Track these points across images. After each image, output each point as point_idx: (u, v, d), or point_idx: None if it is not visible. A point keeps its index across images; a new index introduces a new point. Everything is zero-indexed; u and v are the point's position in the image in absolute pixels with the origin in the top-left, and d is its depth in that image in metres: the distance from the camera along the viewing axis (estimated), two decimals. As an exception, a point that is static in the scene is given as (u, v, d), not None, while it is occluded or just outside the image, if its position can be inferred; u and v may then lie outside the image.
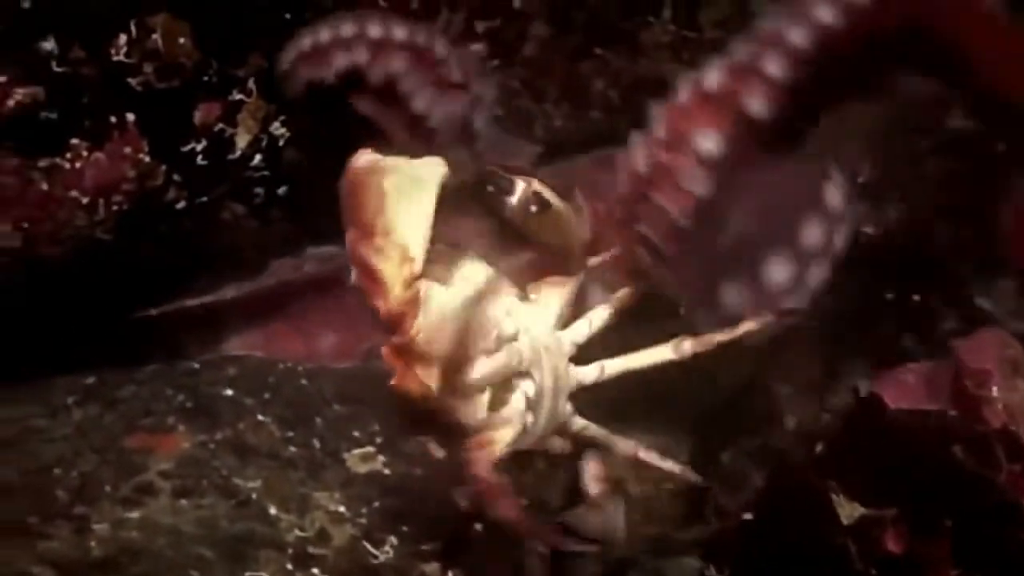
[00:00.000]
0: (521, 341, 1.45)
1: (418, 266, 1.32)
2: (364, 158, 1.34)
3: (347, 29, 1.61)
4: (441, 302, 1.39)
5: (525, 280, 1.52)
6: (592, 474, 1.64)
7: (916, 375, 1.45)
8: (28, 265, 1.57)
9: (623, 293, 1.57)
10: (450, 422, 1.45)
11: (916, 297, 1.79)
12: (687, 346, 1.54)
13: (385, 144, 1.35)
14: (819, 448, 1.55)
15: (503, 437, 1.44)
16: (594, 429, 1.56)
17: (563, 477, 1.61)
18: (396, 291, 1.33)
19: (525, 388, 1.46)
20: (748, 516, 1.52)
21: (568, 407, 1.53)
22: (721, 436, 1.88)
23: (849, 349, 1.84)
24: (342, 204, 1.35)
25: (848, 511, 1.41)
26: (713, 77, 1.49)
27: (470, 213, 1.49)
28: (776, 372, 1.87)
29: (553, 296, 1.54)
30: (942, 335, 1.74)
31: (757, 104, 1.48)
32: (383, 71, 1.61)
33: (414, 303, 1.35)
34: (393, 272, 1.32)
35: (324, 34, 1.60)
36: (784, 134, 1.55)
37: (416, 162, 1.34)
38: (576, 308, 1.57)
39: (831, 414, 1.75)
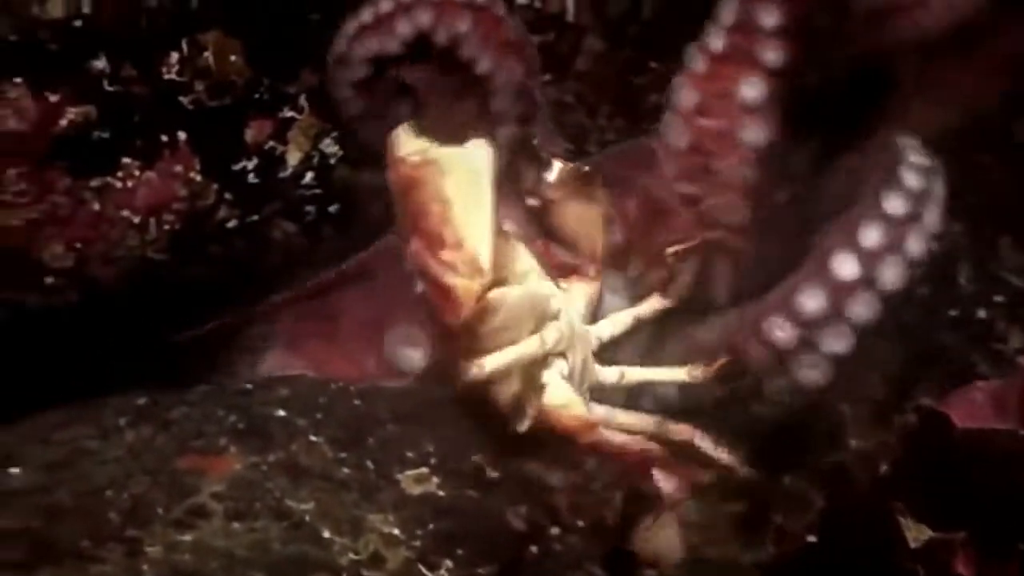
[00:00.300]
0: (562, 320, 1.45)
1: (488, 276, 1.32)
2: (409, 147, 1.32)
3: None
4: (508, 305, 1.39)
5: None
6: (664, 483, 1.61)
7: (984, 393, 1.42)
8: (80, 285, 1.56)
9: (649, 303, 1.55)
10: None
11: (982, 314, 1.75)
12: (699, 373, 1.52)
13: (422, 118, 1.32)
14: (884, 468, 1.52)
15: (570, 402, 1.44)
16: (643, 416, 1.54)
17: (619, 498, 1.58)
18: (469, 305, 1.33)
19: (559, 366, 1.45)
20: (812, 539, 1.49)
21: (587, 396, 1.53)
22: (782, 457, 1.85)
23: (914, 367, 1.80)
24: (396, 202, 1.33)
25: (915, 533, 1.38)
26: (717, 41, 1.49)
27: (505, 196, 1.46)
28: (838, 390, 1.84)
29: (580, 290, 1.52)
30: (1010, 353, 1.71)
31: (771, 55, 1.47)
32: (447, 33, 1.60)
33: (485, 312, 1.35)
34: (466, 287, 1.32)
35: (384, 3, 1.59)
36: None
37: (466, 151, 1.32)
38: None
39: (896, 434, 1.71)
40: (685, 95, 1.57)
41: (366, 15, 1.60)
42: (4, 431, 1.49)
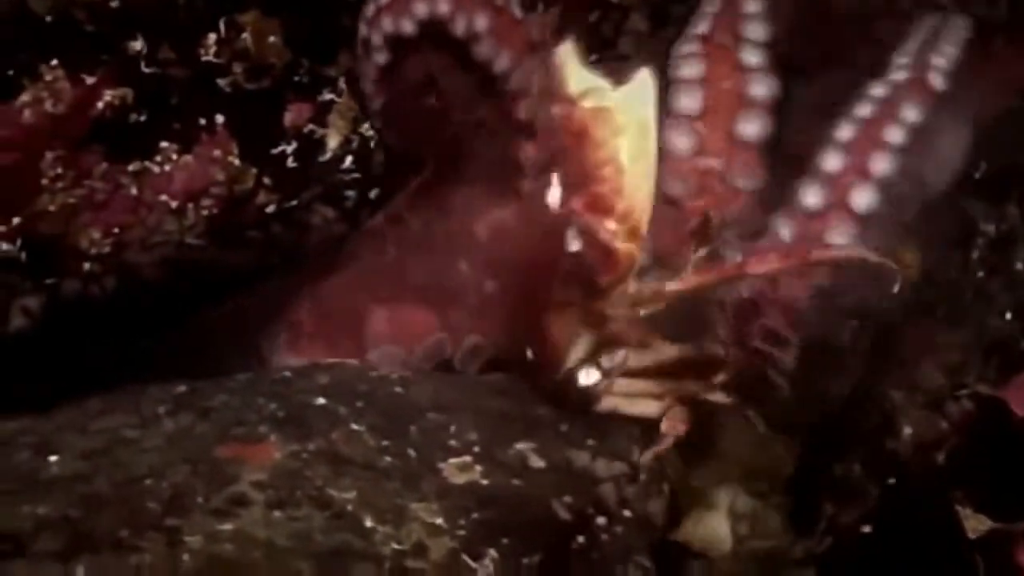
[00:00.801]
0: None
1: (643, 240, 1.34)
2: (579, 81, 1.27)
3: None
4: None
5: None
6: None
7: (1044, 380, 1.40)
8: (118, 271, 1.56)
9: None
10: None
11: (1040, 298, 1.72)
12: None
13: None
14: (941, 458, 1.50)
15: None
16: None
17: (667, 488, 1.56)
18: (629, 268, 1.35)
19: None
20: (867, 529, 1.47)
21: None
22: (833, 446, 1.82)
23: (969, 353, 1.77)
24: (560, 146, 1.31)
25: (975, 524, 1.36)
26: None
27: None
28: (891, 377, 1.81)
29: None
30: (1068, 337, 1.68)
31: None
32: (464, 24, 1.58)
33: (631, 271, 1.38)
34: (630, 253, 1.34)
35: None
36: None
37: (635, 94, 1.28)
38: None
39: (951, 422, 1.68)
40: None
41: None
42: (43, 419, 1.49)
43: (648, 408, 1.57)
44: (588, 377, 1.54)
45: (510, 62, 1.62)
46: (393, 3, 1.57)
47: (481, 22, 1.59)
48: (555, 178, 1.36)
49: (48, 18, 1.35)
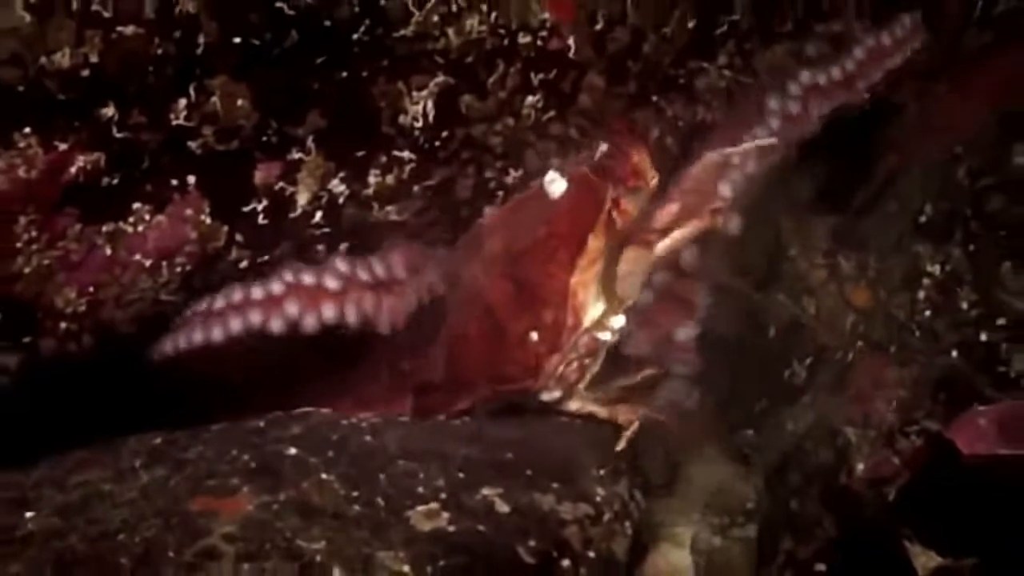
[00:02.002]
0: None
1: None
2: None
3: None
4: None
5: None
6: None
7: (988, 418, 1.38)
8: (94, 329, 1.53)
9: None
10: None
11: (985, 337, 1.71)
12: None
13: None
14: (892, 494, 1.48)
15: None
16: None
17: (628, 531, 1.53)
18: None
19: None
20: (821, 567, 1.45)
21: None
22: (789, 482, 1.80)
23: (919, 391, 1.76)
24: None
25: (924, 560, 1.35)
26: None
27: None
28: (844, 414, 1.79)
29: None
30: (1013, 375, 1.66)
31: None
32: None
33: None
34: None
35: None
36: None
37: None
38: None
39: (902, 458, 1.66)
40: None
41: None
42: (22, 474, 1.46)
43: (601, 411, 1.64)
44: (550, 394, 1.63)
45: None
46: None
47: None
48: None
49: (20, 88, 1.33)
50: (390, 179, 1.65)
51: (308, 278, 1.60)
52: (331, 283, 1.61)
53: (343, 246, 1.69)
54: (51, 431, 1.56)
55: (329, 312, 1.60)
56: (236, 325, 1.59)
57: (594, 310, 1.58)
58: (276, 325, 1.58)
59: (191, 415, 1.55)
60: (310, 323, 1.60)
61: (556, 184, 1.57)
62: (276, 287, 1.59)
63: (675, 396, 1.77)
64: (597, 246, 1.55)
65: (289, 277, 1.60)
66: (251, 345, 1.63)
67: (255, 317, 1.58)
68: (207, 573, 1.20)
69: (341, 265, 1.62)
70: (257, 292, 1.60)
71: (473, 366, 1.63)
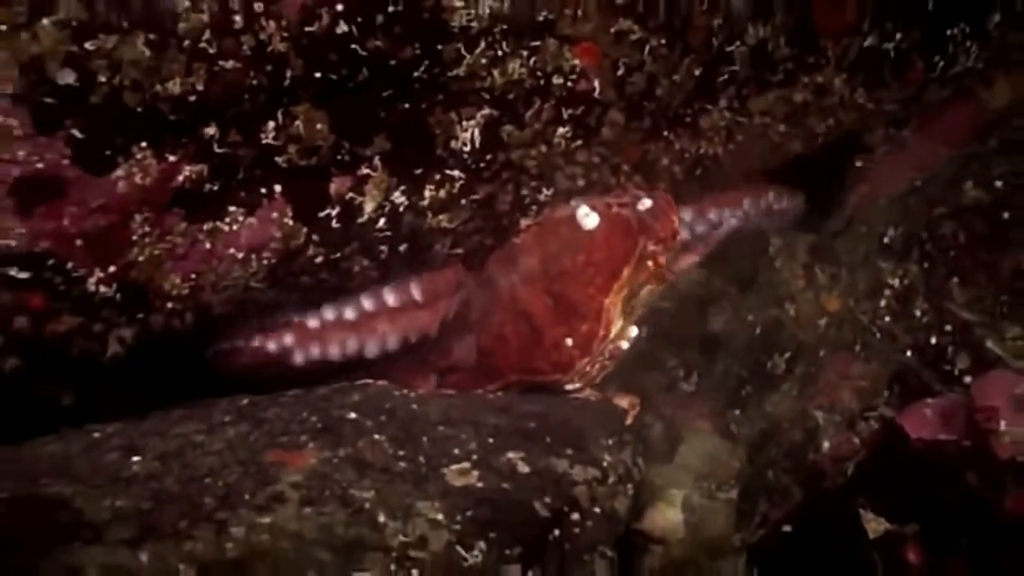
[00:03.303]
0: None
1: None
2: None
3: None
4: None
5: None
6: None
7: (933, 409, 1.35)
8: (195, 308, 1.52)
9: None
10: None
11: (935, 340, 1.66)
12: None
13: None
14: (851, 469, 1.45)
15: None
16: None
17: (629, 492, 1.50)
18: None
19: None
20: (788, 528, 1.42)
21: None
22: (767, 455, 1.77)
23: (878, 383, 1.72)
24: None
25: (874, 526, 1.31)
26: None
27: None
28: (814, 400, 1.75)
29: None
30: (957, 373, 1.62)
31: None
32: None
33: None
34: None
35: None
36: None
37: None
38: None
39: (861, 439, 1.62)
40: None
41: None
42: (133, 424, 1.45)
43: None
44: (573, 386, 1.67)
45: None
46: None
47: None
48: None
49: (139, 109, 1.32)
50: (442, 193, 1.63)
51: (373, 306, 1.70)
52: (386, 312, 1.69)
53: (402, 247, 1.67)
54: (161, 391, 1.56)
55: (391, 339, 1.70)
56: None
57: (618, 323, 1.63)
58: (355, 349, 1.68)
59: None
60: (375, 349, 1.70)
61: (590, 218, 1.61)
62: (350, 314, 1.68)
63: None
64: (629, 275, 1.62)
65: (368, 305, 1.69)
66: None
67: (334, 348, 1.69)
68: (275, 513, 1.18)
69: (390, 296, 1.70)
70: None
71: (507, 360, 1.65)
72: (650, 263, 1.61)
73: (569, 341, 1.61)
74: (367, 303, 1.69)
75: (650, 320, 1.99)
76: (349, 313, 1.69)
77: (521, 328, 1.63)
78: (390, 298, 1.72)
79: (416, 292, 1.73)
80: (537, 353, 1.63)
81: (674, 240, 1.63)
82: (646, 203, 1.63)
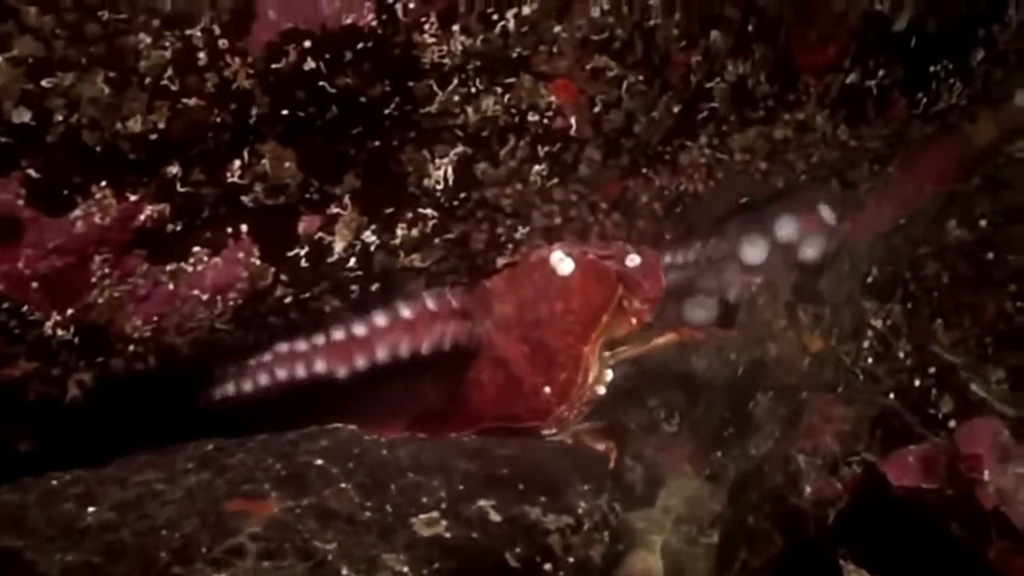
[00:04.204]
0: None
1: None
2: None
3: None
4: None
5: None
6: None
7: (915, 456, 1.32)
8: (158, 351, 1.49)
9: None
10: None
11: (918, 383, 1.64)
12: None
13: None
14: (832, 517, 1.42)
15: None
16: None
17: (605, 539, 1.47)
18: None
19: None
20: (769, 576, 1.39)
21: None
22: (748, 499, 1.74)
23: (861, 426, 1.69)
24: None
25: (855, 577, 1.27)
26: None
27: None
28: (796, 444, 1.72)
29: None
30: (941, 416, 1.59)
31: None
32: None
33: None
34: None
35: None
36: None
37: None
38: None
39: (843, 484, 1.59)
40: None
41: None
42: (94, 472, 1.42)
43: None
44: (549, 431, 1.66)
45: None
46: None
47: None
48: None
49: (97, 148, 1.29)
50: (415, 232, 1.60)
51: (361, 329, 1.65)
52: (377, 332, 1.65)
53: (374, 286, 1.64)
54: (126, 438, 1.52)
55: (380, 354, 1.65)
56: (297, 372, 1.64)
57: (595, 369, 1.62)
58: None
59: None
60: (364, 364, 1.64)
61: (564, 264, 1.61)
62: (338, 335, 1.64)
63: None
64: (607, 323, 1.62)
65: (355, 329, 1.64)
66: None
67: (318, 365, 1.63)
68: (232, 568, 1.15)
69: (380, 319, 1.65)
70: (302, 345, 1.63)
71: (483, 405, 1.64)
72: (634, 320, 1.62)
73: (547, 389, 1.60)
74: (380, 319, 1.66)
75: (631, 358, 1.97)
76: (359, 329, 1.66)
77: (498, 376, 1.63)
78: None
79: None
80: (515, 400, 1.62)
81: (659, 299, 1.63)
82: (634, 259, 1.63)
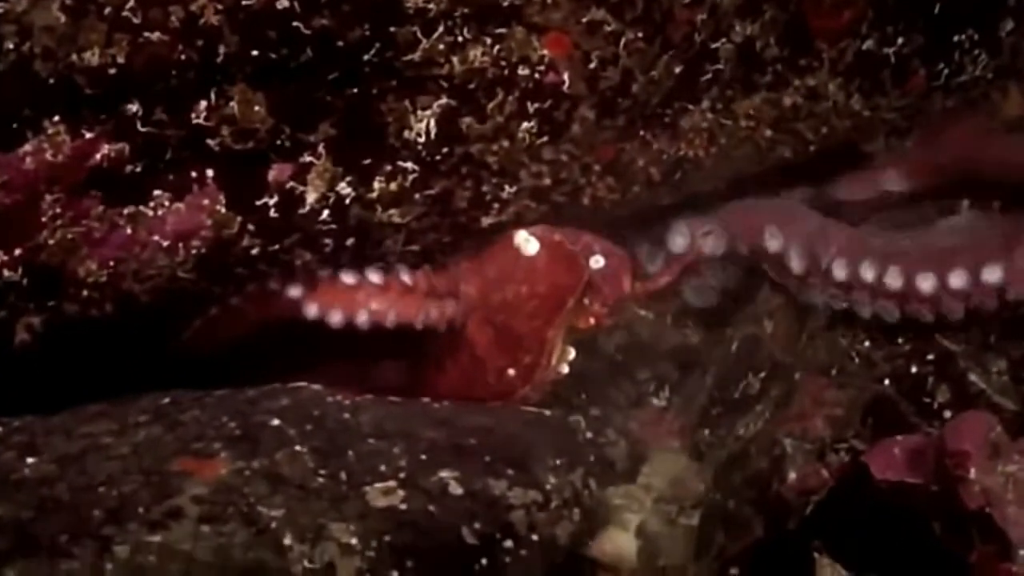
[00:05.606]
0: None
1: None
2: None
3: None
4: None
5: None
6: None
7: (902, 448, 1.27)
8: (115, 298, 1.45)
9: None
10: None
11: (915, 369, 1.59)
12: None
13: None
14: (811, 507, 1.37)
15: None
16: None
17: (575, 516, 1.43)
18: None
19: None
20: (735, 572, 1.35)
21: None
22: (731, 482, 1.69)
23: (852, 412, 1.64)
24: None
25: (830, 573, 1.23)
26: None
27: None
28: (785, 427, 1.68)
29: None
30: (936, 406, 1.55)
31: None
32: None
33: None
34: None
35: None
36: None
37: None
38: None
39: (830, 471, 1.55)
40: None
41: None
42: (41, 421, 1.38)
43: None
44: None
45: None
46: None
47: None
48: None
49: (50, 80, 1.24)
50: (393, 186, 1.55)
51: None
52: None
53: (349, 241, 1.59)
54: (79, 387, 1.49)
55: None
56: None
57: (559, 349, 1.62)
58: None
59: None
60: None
61: (530, 244, 1.62)
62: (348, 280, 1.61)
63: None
64: (571, 309, 1.61)
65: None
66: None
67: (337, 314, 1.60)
68: (168, 531, 1.11)
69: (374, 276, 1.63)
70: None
71: (442, 385, 1.64)
72: (592, 320, 1.62)
73: (512, 372, 1.60)
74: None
75: (625, 328, 1.94)
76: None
77: (461, 357, 1.63)
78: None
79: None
80: (477, 382, 1.62)
81: (620, 305, 1.65)
82: (599, 261, 1.63)
